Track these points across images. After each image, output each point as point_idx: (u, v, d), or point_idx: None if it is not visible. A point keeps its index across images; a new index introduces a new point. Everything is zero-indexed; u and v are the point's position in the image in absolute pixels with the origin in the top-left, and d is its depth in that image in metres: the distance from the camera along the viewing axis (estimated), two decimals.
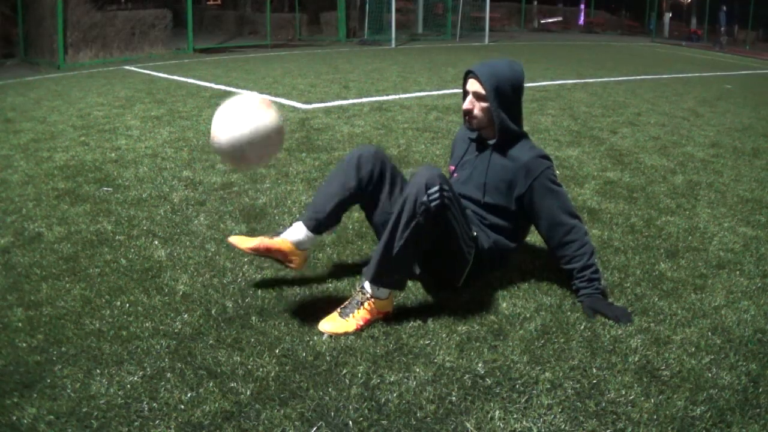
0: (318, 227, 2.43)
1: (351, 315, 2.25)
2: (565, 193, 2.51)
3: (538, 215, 2.47)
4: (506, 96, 2.44)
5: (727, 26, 21.22)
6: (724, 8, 21.30)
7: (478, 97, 2.46)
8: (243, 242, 2.36)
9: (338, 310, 2.28)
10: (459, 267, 2.43)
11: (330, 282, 2.60)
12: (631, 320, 2.33)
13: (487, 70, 2.44)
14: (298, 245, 2.41)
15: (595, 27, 26.55)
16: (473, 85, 2.47)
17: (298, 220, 2.46)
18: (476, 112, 2.48)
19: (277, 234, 2.43)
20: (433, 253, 2.38)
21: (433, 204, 2.17)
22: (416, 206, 2.17)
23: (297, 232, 2.42)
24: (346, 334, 2.20)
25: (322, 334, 2.19)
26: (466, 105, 2.49)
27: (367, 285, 2.30)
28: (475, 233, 2.42)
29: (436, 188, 2.18)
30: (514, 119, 2.50)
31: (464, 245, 2.36)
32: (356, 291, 2.32)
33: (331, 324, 2.23)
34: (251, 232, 3.09)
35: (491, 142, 2.52)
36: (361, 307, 2.26)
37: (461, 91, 2.58)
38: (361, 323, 2.24)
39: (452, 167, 2.70)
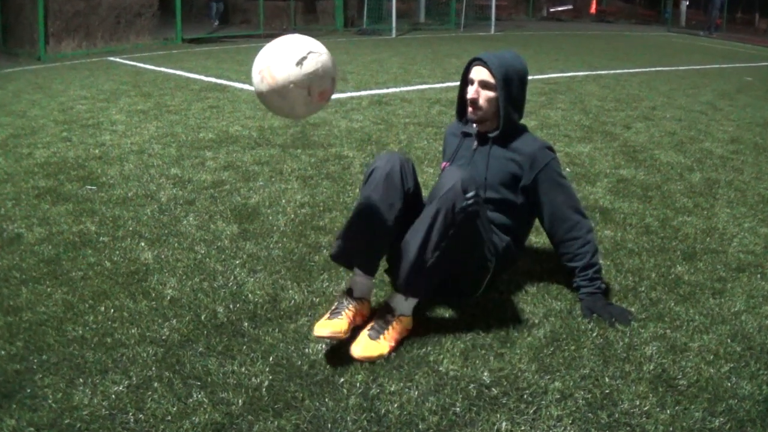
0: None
1: (382, 336, 2.16)
2: (571, 187, 2.55)
3: (542, 209, 2.50)
4: (514, 86, 2.46)
5: (719, 13, 21.27)
6: None
7: (484, 85, 2.46)
8: (327, 329, 2.15)
9: (365, 331, 2.19)
10: (479, 276, 2.40)
11: (327, 285, 2.60)
12: (628, 321, 2.35)
13: (495, 58, 2.45)
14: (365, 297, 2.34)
15: (607, 16, 26.52)
16: (480, 74, 2.46)
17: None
18: (482, 101, 2.47)
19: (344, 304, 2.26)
20: (455, 262, 2.32)
21: (470, 210, 2.15)
22: (454, 213, 2.13)
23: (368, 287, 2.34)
24: (380, 357, 2.12)
25: (318, 342, 2.19)
26: (472, 94, 2.48)
27: (394, 301, 2.25)
28: (495, 242, 2.41)
29: (473, 193, 2.16)
30: (518, 112, 2.52)
31: (488, 253, 2.34)
32: (382, 309, 2.26)
33: (363, 348, 2.14)
34: (244, 233, 3.09)
35: (492, 134, 2.52)
36: (391, 327, 2.19)
37: (460, 81, 2.57)
38: (393, 344, 2.17)
39: (445, 164, 2.68)
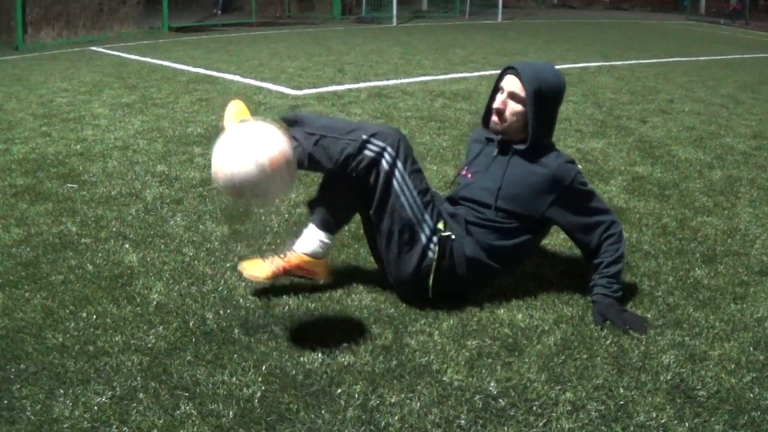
0: (331, 226, 2.53)
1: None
2: (597, 192, 2.59)
3: (574, 223, 2.50)
4: (545, 103, 2.46)
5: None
6: None
7: (513, 97, 2.46)
8: (259, 270, 2.48)
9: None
10: (419, 263, 2.41)
11: (324, 290, 2.60)
12: (644, 329, 2.35)
13: (530, 69, 2.45)
14: (314, 255, 2.50)
15: (622, 3, 26.56)
16: (511, 84, 2.46)
17: (309, 221, 2.55)
18: (508, 113, 2.47)
19: (289, 246, 2.51)
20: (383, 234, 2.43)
21: (374, 159, 2.31)
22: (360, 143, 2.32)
23: (310, 240, 2.50)
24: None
25: (315, 350, 2.19)
26: (498, 103, 2.48)
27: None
28: (449, 233, 2.40)
29: (380, 146, 2.32)
30: (547, 132, 2.53)
31: (421, 232, 2.39)
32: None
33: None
34: (235, 234, 3.09)
35: (516, 147, 2.51)
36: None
37: (492, 88, 2.57)
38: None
39: (465, 169, 2.70)
